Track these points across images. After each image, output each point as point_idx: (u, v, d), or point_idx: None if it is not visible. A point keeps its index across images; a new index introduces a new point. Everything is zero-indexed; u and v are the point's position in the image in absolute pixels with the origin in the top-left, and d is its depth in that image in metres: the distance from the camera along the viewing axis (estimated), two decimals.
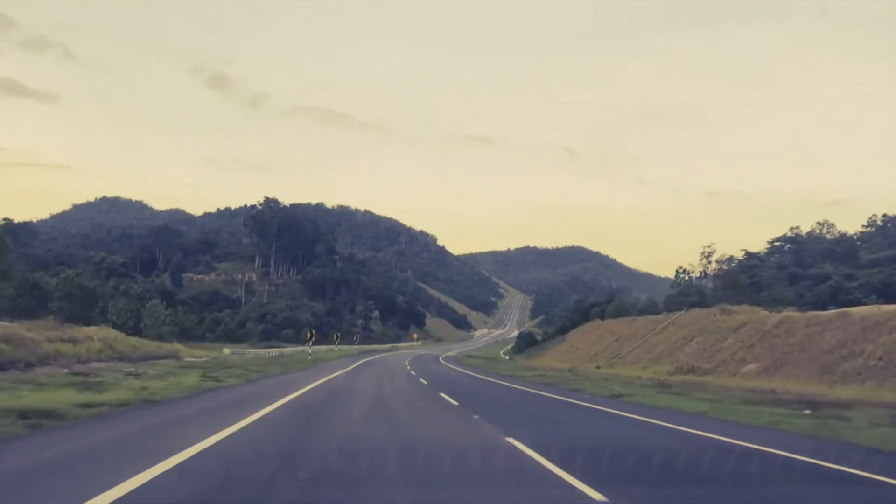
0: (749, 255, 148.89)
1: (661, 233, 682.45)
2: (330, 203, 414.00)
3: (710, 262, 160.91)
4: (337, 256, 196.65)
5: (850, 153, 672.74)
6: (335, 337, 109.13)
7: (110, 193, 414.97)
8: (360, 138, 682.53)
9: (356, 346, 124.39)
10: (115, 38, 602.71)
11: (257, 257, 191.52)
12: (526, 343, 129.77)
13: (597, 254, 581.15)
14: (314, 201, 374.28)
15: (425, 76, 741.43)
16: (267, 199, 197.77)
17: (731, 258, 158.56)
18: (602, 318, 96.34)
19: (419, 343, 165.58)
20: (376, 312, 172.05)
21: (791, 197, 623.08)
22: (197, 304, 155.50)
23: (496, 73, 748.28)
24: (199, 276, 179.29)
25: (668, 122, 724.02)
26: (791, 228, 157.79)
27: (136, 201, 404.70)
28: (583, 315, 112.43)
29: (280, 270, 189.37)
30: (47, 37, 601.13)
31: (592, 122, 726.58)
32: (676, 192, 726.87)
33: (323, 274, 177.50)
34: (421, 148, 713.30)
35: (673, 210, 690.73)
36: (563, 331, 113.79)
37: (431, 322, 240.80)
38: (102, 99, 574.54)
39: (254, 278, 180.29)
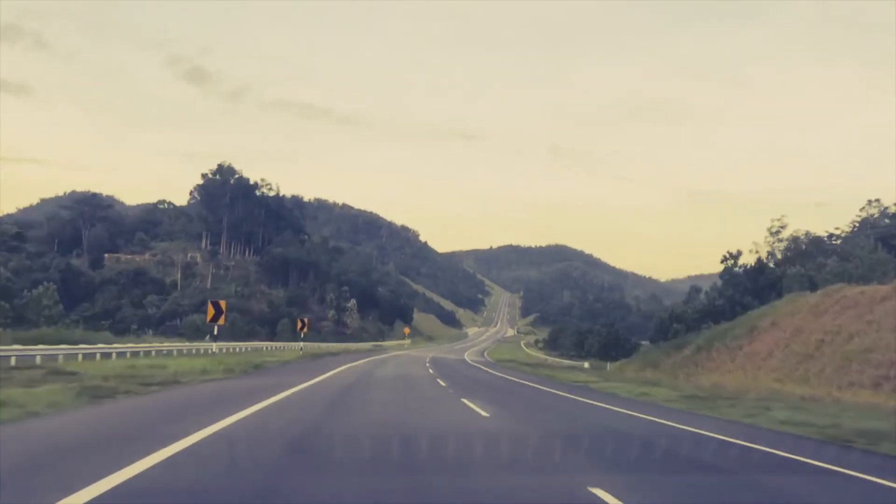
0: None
1: (645, 232, 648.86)
2: (307, 196, 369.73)
3: (778, 241, 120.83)
4: (306, 237, 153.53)
5: (833, 150, 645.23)
6: (300, 326, 66.42)
7: (81, 188, 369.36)
8: (341, 133, 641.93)
9: (324, 345, 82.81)
10: (89, 27, 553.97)
11: (205, 235, 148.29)
12: (573, 341, 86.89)
13: (581, 252, 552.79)
14: (290, 194, 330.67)
15: (408, 72, 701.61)
16: (220, 166, 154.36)
17: (809, 234, 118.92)
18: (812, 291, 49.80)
19: (408, 342, 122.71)
20: (353, 302, 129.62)
21: (774, 195, 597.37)
22: (114, 289, 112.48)
23: (480, 69, 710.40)
24: (129, 257, 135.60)
25: (651, 119, 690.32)
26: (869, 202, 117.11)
27: (108, 196, 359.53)
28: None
29: (233, 251, 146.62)
30: (20, 25, 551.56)
31: (576, 120, 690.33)
32: (660, 190, 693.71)
33: (285, 254, 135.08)
34: (403, 144, 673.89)
35: (656, 209, 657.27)
36: (712, 317, 69.01)
37: (419, 318, 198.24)
38: (76, 90, 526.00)
39: (198, 259, 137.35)
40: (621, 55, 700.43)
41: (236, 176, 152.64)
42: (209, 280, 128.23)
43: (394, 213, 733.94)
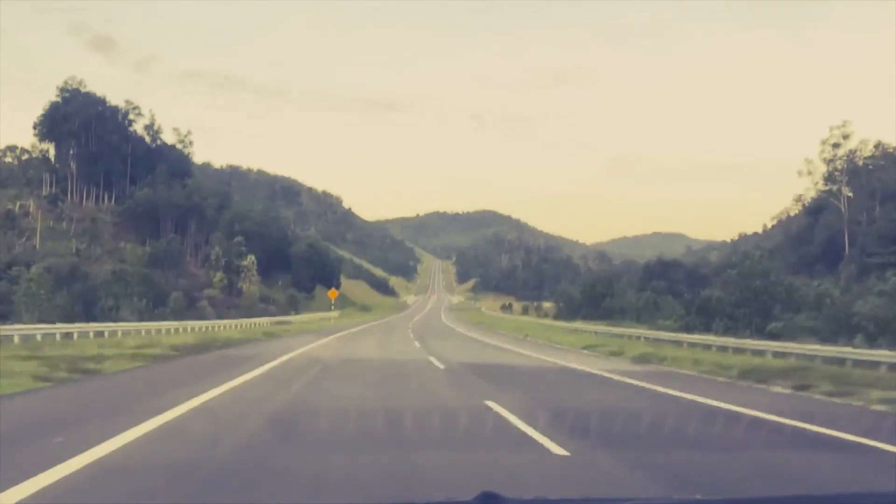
0: None
1: (570, 196, 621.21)
2: (218, 163, 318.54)
3: (837, 158, 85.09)
4: (190, 181, 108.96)
5: (749, 118, 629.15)
6: None
7: None
8: (258, 103, 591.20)
9: (193, 324, 41.44)
10: None
11: (46, 178, 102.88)
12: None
13: (509, 217, 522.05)
14: (200, 161, 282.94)
15: (328, 42, 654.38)
16: (66, 87, 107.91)
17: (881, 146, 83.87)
18: None
19: (335, 314, 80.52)
20: (250, 259, 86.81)
21: (695, 159, 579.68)
22: None
23: (401, 39, 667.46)
24: None
25: (573, 87, 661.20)
26: None
27: None
28: None
29: (85, 198, 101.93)
30: None
31: (499, 88, 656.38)
32: (583, 156, 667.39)
33: (154, 199, 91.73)
34: (324, 114, 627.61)
35: (581, 174, 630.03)
36: None
37: (348, 284, 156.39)
38: None
39: (30, 209, 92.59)
40: (542, 23, 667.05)
41: (91, 96, 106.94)
42: (37, 237, 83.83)
43: (315, 181, 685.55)
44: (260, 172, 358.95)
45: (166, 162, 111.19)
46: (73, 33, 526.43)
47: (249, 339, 33.11)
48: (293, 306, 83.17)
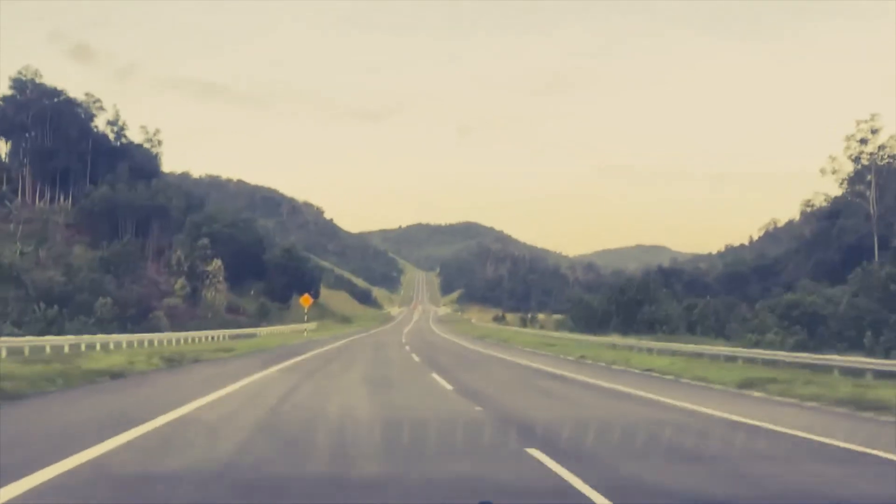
0: None
1: (553, 208, 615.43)
2: (197, 173, 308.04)
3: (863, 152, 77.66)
4: (156, 181, 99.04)
5: (733, 130, 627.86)
6: None
7: None
8: (239, 113, 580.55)
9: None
10: None
11: None
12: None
13: (492, 229, 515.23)
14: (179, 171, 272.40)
15: (311, 52, 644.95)
16: (19, 79, 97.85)
17: None
18: None
19: (311, 326, 70.76)
20: (217, 263, 76.26)
21: (677, 171, 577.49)
22: None
23: (384, 49, 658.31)
24: None
25: (557, 98, 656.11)
26: None
27: None
28: None
29: (36, 196, 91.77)
30: None
31: (482, 99, 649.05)
32: (568, 167, 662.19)
33: (113, 197, 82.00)
34: (306, 123, 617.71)
35: (565, 185, 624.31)
36: None
37: (328, 294, 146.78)
38: None
39: None
40: (525, 33, 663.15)
41: (46, 88, 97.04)
42: None
43: (297, 192, 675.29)
44: (240, 182, 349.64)
45: (131, 161, 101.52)
46: (52, 41, 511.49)
47: (144, 370, 19.92)
48: (264, 317, 73.32)
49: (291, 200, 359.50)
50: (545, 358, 32.52)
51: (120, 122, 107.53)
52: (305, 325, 61.13)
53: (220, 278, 75.31)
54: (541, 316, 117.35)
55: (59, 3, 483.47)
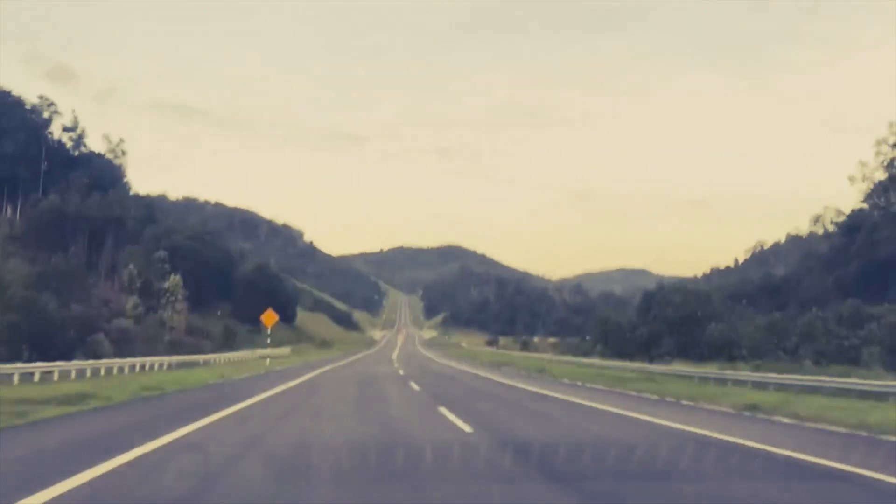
0: None
1: (534, 232, 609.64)
2: (174, 195, 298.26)
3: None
4: (112, 191, 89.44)
5: (710, 154, 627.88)
6: None
7: None
8: (219, 136, 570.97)
9: None
10: None
11: None
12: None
13: (474, 252, 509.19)
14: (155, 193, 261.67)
15: (290, 76, 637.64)
16: None
17: None
18: None
19: (285, 352, 61.03)
20: (175, 280, 65.72)
21: (658, 196, 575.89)
22: None
23: (362, 74, 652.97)
24: None
25: (538, 122, 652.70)
26: None
27: None
28: None
29: None
30: None
31: (462, 124, 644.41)
32: (546, 191, 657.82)
33: (62, 207, 72.43)
34: (286, 147, 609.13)
35: (544, 210, 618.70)
36: None
37: (306, 317, 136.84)
38: None
39: None
40: (502, 61, 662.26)
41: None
42: None
43: (277, 215, 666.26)
44: (217, 205, 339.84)
45: (90, 171, 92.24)
46: (29, 62, 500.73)
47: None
48: (228, 341, 63.23)
49: (270, 222, 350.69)
50: (616, 397, 21.92)
51: (78, 130, 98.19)
52: (270, 351, 49.92)
53: (179, 296, 65.61)
54: (535, 339, 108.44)
55: (36, 26, 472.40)
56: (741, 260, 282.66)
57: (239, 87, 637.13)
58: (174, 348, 58.03)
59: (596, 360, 46.33)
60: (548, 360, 52.73)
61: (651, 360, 43.50)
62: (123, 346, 53.11)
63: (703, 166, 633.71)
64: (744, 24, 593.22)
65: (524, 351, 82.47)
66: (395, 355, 63.15)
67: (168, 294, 64.58)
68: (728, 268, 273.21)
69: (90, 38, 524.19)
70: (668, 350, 48.49)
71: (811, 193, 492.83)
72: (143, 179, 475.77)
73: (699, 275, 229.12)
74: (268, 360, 41.98)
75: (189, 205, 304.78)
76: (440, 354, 70.68)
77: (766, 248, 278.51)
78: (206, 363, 40.25)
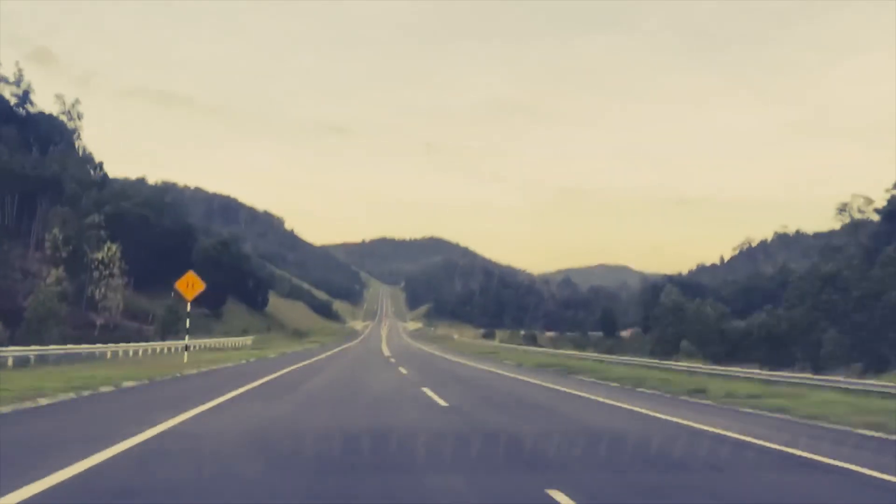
0: None
1: (516, 227, 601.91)
2: (152, 179, 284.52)
3: None
4: (53, 149, 77.23)
5: (694, 154, 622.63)
6: None
7: None
8: (204, 124, 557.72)
9: None
10: None
11: None
12: None
13: (457, 245, 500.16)
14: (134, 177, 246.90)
15: (276, 67, 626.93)
16: None
17: None
18: None
19: (247, 342, 49.51)
20: (112, 249, 53.58)
21: (635, 194, 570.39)
22: None
23: (351, 67, 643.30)
24: None
25: (520, 120, 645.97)
26: None
27: None
28: None
29: None
30: None
31: (448, 119, 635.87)
32: (530, 187, 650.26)
33: None
34: (270, 136, 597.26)
35: (527, 205, 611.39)
36: None
37: (280, 303, 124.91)
38: None
39: None
40: (490, 58, 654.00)
41: None
42: None
43: (260, 203, 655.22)
44: (197, 189, 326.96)
45: (35, 132, 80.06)
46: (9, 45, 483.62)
47: None
48: (171, 327, 49.74)
49: (251, 209, 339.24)
50: None
51: (23, 85, 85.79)
52: (188, 341, 28.58)
53: (116, 271, 53.57)
54: (548, 334, 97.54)
55: (15, 8, 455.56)
56: (727, 258, 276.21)
57: (225, 76, 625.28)
58: (107, 333, 46.35)
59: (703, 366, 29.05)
60: (526, 353, 39.65)
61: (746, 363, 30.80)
62: (29, 330, 41.30)
63: (688, 166, 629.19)
64: (731, 24, 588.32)
65: (533, 346, 69.77)
66: (388, 351, 48.60)
67: (102, 267, 52.66)
68: (714, 265, 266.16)
69: (70, 23, 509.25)
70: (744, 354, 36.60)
71: (797, 193, 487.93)
72: (121, 164, 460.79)
73: (684, 272, 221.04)
74: (185, 356, 27.24)
75: (167, 188, 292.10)
76: (448, 351, 54.32)
77: (753, 245, 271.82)
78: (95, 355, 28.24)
